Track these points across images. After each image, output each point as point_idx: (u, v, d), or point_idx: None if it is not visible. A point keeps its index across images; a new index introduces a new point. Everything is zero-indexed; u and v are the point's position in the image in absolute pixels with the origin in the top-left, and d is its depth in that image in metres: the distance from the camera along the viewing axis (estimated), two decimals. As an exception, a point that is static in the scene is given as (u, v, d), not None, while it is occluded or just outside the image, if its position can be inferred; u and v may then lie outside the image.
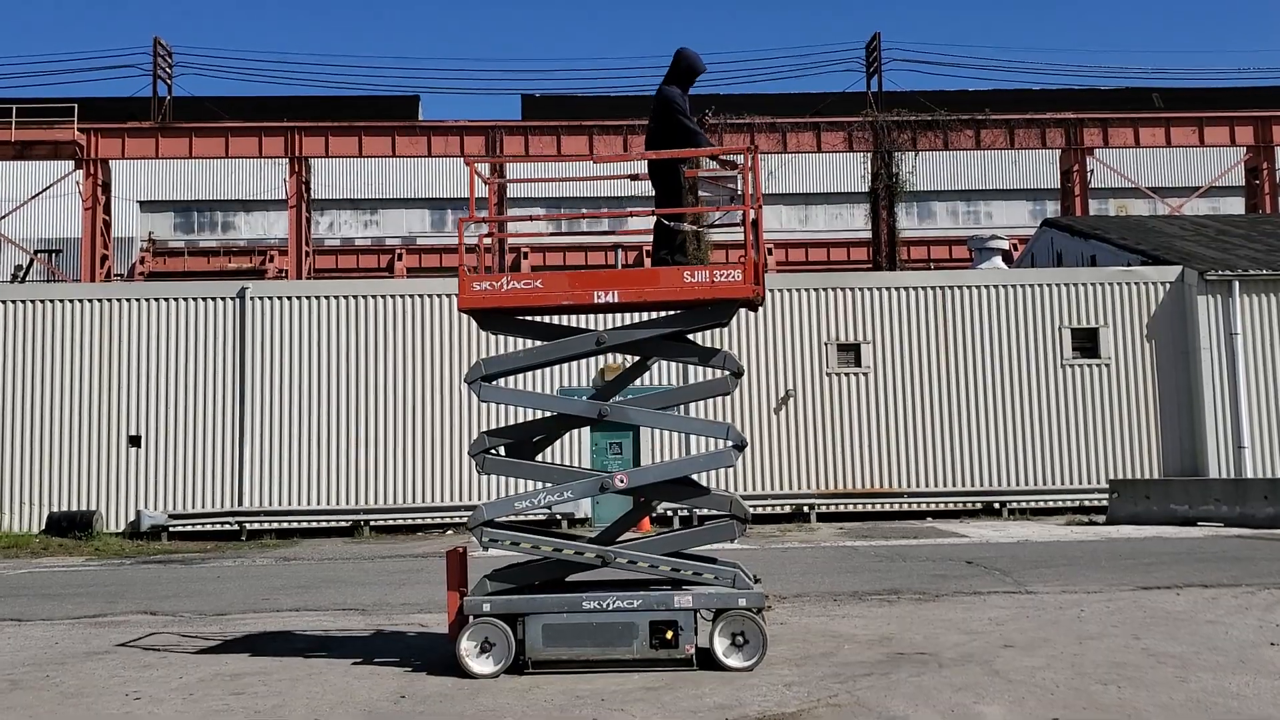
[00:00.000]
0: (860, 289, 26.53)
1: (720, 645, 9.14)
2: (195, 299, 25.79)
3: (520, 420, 10.61)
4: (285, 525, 24.76)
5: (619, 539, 9.95)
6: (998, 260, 32.89)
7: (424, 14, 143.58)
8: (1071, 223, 35.03)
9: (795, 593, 13.63)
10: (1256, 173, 42.53)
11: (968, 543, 20.17)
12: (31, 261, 45.34)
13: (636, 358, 10.76)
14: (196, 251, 52.70)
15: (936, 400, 26.00)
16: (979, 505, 25.58)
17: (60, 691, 9.08)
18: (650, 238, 10.24)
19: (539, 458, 10.52)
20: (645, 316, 10.23)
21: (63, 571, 19.37)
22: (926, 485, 25.71)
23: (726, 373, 9.70)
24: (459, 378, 24.76)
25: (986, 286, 26.66)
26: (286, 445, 25.19)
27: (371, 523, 24.86)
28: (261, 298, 25.78)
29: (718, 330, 23.24)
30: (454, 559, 9.69)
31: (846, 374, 26.06)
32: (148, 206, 53.93)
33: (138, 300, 25.79)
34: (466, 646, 9.19)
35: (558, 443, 22.16)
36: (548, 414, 10.37)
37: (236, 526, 24.62)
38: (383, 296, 25.99)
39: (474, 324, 25.49)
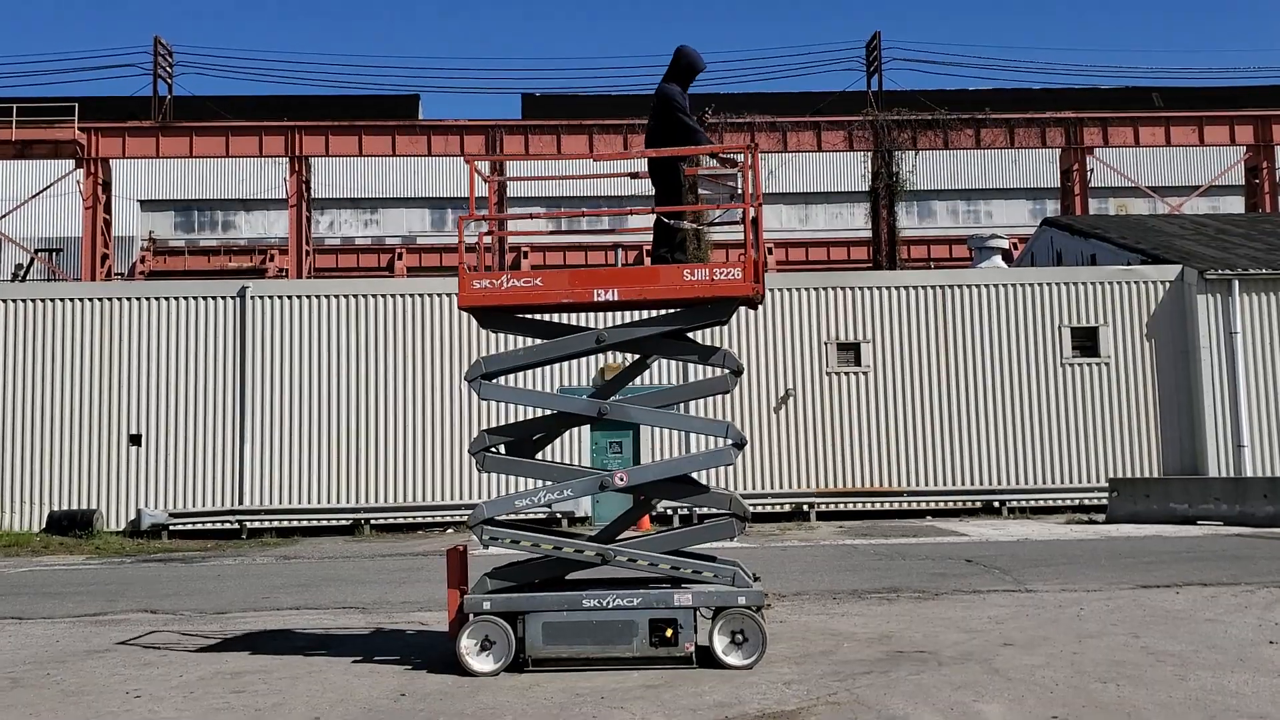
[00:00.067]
0: (860, 288, 26.54)
1: (720, 643, 9.15)
2: (196, 298, 25.80)
3: (520, 419, 10.61)
4: (286, 524, 24.78)
5: (619, 537, 9.97)
6: (998, 259, 32.91)
7: (424, 14, 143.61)
8: (1071, 222, 35.03)
9: (795, 591, 13.64)
10: (1256, 172, 42.51)
11: (967, 541, 20.19)
12: (32, 261, 45.36)
13: (636, 356, 10.78)
14: (197, 251, 52.70)
15: (936, 399, 26.02)
16: (979, 504, 25.59)
17: (61, 689, 9.09)
18: (650, 237, 10.25)
19: (539, 456, 10.53)
20: (646, 315, 10.24)
21: (63, 570, 19.38)
22: (926, 484, 25.72)
23: (726, 371, 9.71)
24: (459, 377, 24.77)
25: (986, 286, 26.67)
26: (287, 444, 25.20)
27: (372, 521, 24.87)
28: (262, 297, 25.80)
29: (718, 329, 23.27)
30: (454, 557, 9.70)
31: (846, 373, 26.07)
32: (148, 206, 53.93)
33: (138, 299, 25.81)
34: (467, 644, 9.20)
35: (558, 442, 22.17)
36: (548, 412, 10.38)
37: (237, 525, 24.64)
38: (383, 295, 26.00)
39: (474, 323, 25.45)
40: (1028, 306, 26.41)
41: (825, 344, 26.12)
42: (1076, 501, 25.48)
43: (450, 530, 24.69)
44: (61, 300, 25.72)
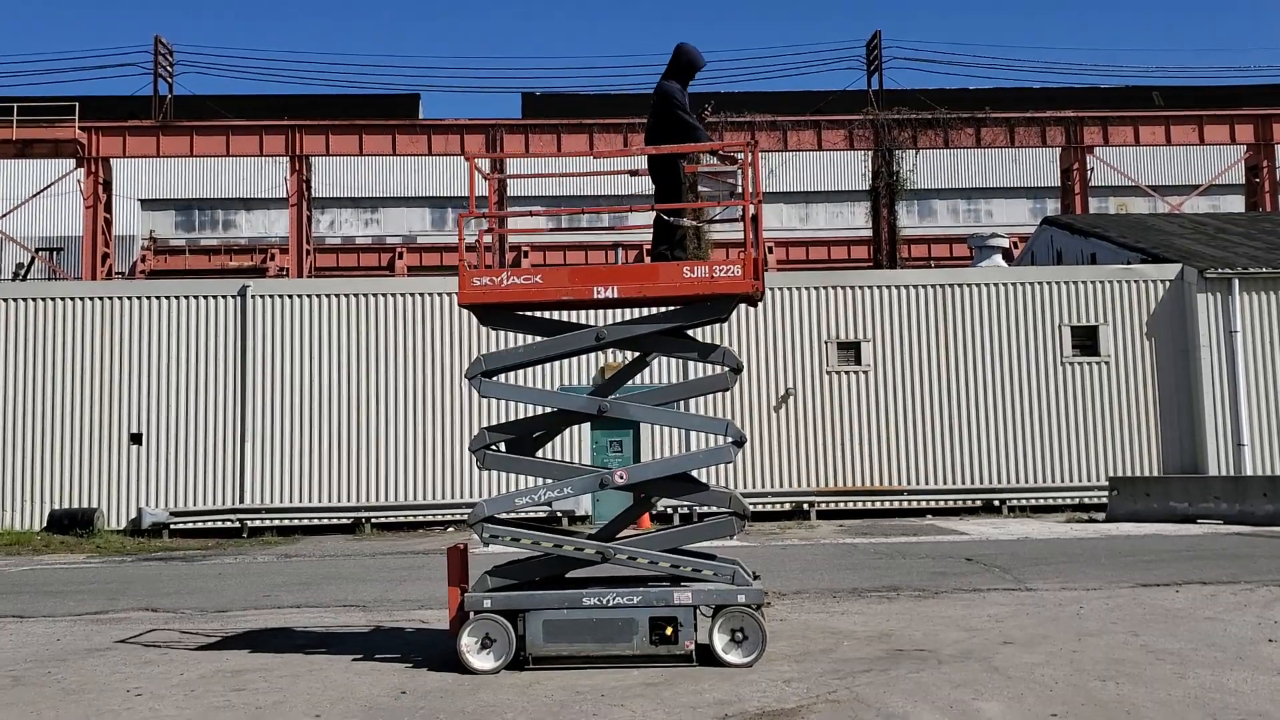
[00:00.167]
0: (860, 287, 26.55)
1: (720, 641, 9.16)
2: (196, 297, 25.82)
3: (520, 417, 10.62)
4: (286, 522, 24.81)
5: (619, 535, 9.99)
6: (998, 258, 32.93)
7: (424, 13, 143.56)
8: (1071, 221, 35.03)
9: (795, 589, 13.66)
10: (1256, 171, 42.50)
11: (967, 540, 20.20)
12: (33, 260, 45.39)
13: (636, 354, 10.79)
14: (197, 250, 52.70)
15: (936, 398, 26.03)
16: (979, 503, 25.61)
17: (62, 688, 9.11)
18: (650, 235, 10.26)
19: (539, 455, 10.55)
20: (645, 313, 10.25)
21: (64, 569, 19.40)
22: (926, 483, 25.74)
23: (726, 369, 9.72)
24: (460, 375, 24.79)
25: (986, 285, 26.69)
26: (288, 443, 25.23)
27: (373, 520, 24.89)
28: (262, 296, 25.82)
29: (718, 328, 23.34)
30: (455, 555, 9.72)
31: (846, 372, 26.09)
32: (149, 205, 53.95)
33: (139, 298, 25.82)
34: (467, 642, 9.21)
35: (558, 441, 22.21)
36: (548, 410, 10.40)
37: (238, 524, 24.66)
38: (383, 295, 26.02)
39: (474, 322, 25.39)
40: (1028, 305, 26.43)
41: (825, 343, 26.13)
42: (1077, 500, 25.50)
43: (451, 529, 24.72)
44: (62, 299, 25.74)
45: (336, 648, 10.51)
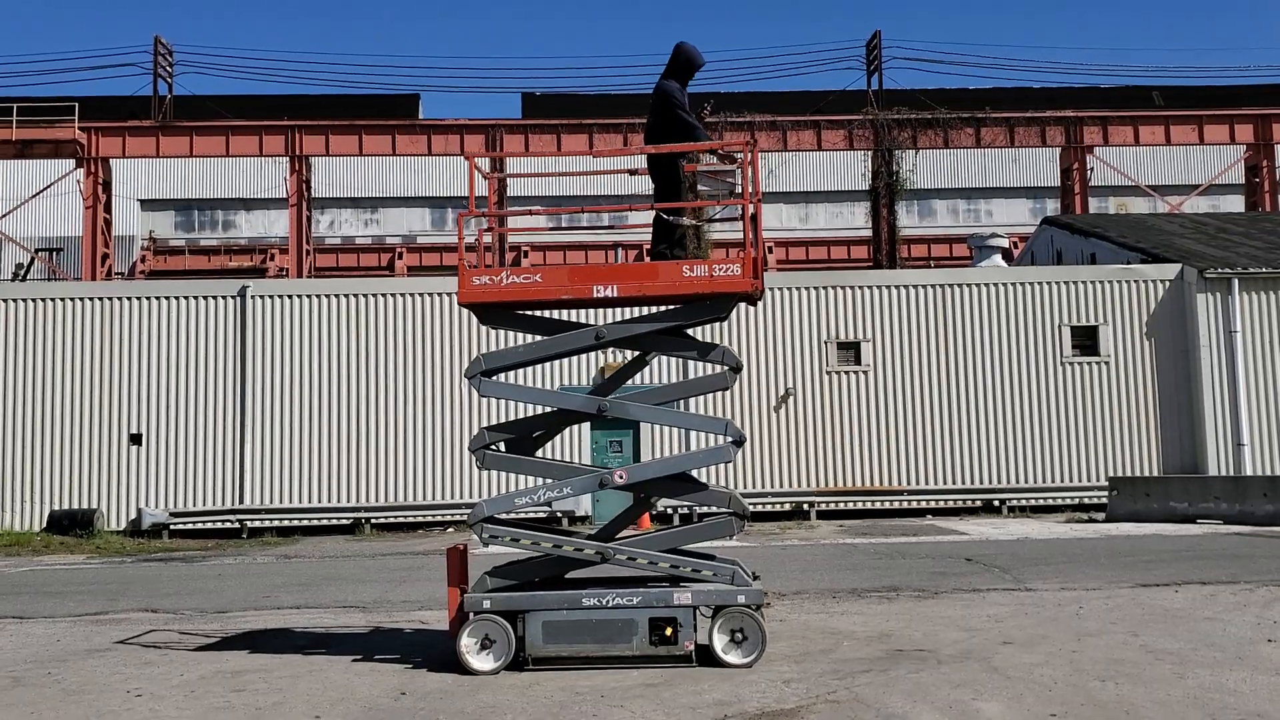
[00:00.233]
0: (860, 287, 26.55)
1: (719, 642, 9.17)
2: (196, 297, 25.82)
3: (520, 417, 10.62)
4: (286, 523, 24.81)
5: (618, 535, 9.99)
6: (998, 258, 32.93)
7: (424, 13, 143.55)
8: (1071, 221, 35.04)
9: (795, 590, 13.66)
10: (1256, 171, 42.50)
11: (967, 540, 20.20)
12: (32, 260, 45.38)
13: (636, 354, 10.79)
14: (197, 250, 52.70)
15: (936, 398, 26.04)
16: (979, 503, 25.61)
17: (62, 688, 9.11)
18: (650, 235, 10.27)
19: (539, 454, 10.55)
20: (646, 312, 10.25)
21: (64, 569, 19.41)
22: (926, 483, 25.74)
23: (725, 368, 9.73)
24: (460, 376, 24.79)
25: (986, 285, 26.69)
26: (287, 443, 25.23)
27: (372, 520, 24.89)
28: (262, 296, 25.82)
29: (718, 327, 23.35)
30: (454, 556, 9.72)
31: (846, 372, 26.09)
32: (148, 205, 53.95)
33: (139, 299, 25.83)
34: (467, 643, 9.22)
35: (558, 441, 22.19)
36: (547, 410, 10.40)
37: (237, 524, 24.66)
38: (383, 295, 26.02)
39: (474, 322, 25.24)
40: (1028, 305, 26.43)
41: (825, 343, 26.13)
42: (1076, 500, 25.50)
43: (450, 529, 24.72)
44: (62, 300, 25.74)
45: (336, 648, 10.51)
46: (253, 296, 25.68)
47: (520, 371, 10.78)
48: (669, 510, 23.84)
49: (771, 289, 25.63)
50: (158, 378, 25.34)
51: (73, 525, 24.11)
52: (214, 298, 25.77)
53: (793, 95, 49.44)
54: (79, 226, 42.44)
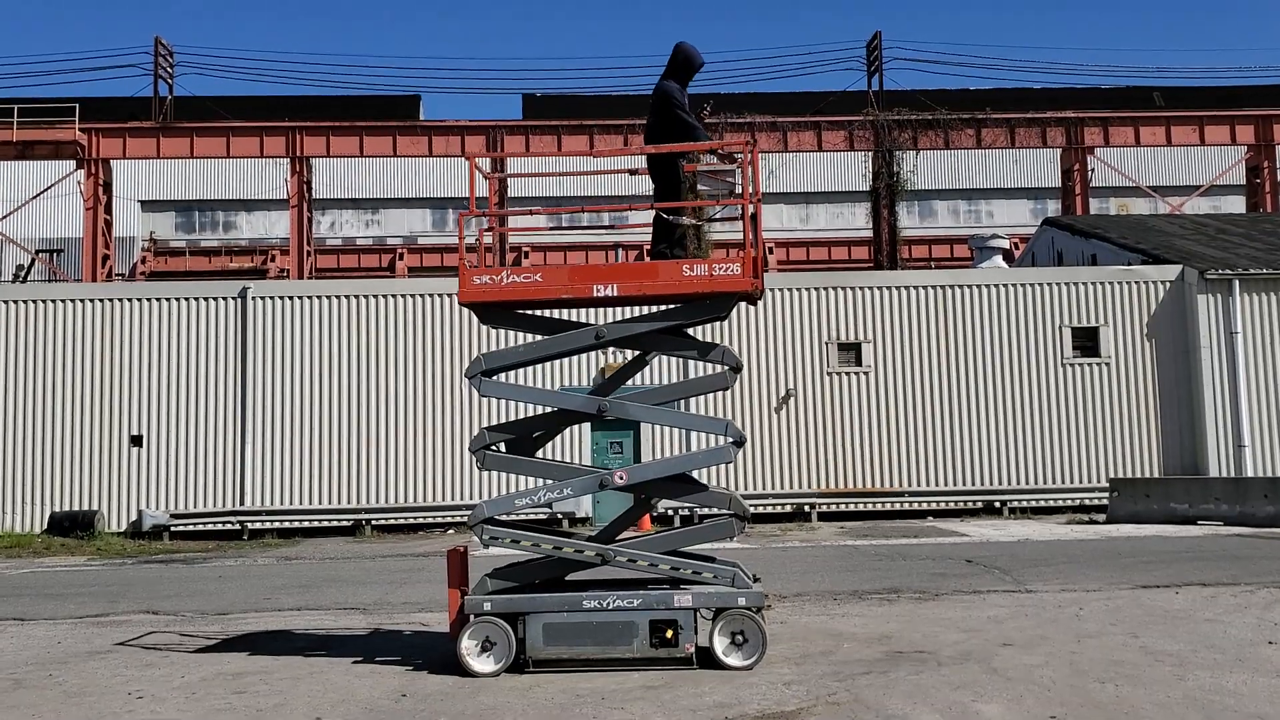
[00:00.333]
0: (861, 288, 26.55)
1: (720, 644, 9.17)
2: (197, 299, 25.83)
3: (520, 418, 10.64)
4: (287, 525, 24.80)
5: (619, 537, 9.99)
6: (998, 259, 32.92)
7: (424, 14, 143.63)
8: (1072, 222, 35.03)
9: (795, 592, 13.67)
10: (1257, 171, 42.49)
11: (968, 542, 20.20)
12: (33, 261, 45.40)
13: (635, 354, 10.80)
14: (198, 251, 52.73)
15: (937, 399, 26.03)
16: (979, 504, 25.60)
17: (63, 690, 9.12)
18: (650, 235, 10.28)
19: (539, 456, 10.56)
20: (646, 312, 10.25)
21: (65, 571, 19.42)
22: (927, 484, 25.74)
23: (725, 368, 9.73)
24: (460, 377, 24.79)
25: (987, 286, 26.68)
26: (288, 445, 25.23)
27: (373, 522, 24.90)
28: (263, 297, 25.83)
29: (718, 328, 23.35)
30: (455, 558, 9.72)
31: (847, 373, 26.09)
32: (149, 206, 53.96)
33: (139, 300, 25.83)
34: (467, 645, 9.22)
35: (559, 442, 22.18)
36: (548, 410, 10.41)
37: (238, 526, 24.66)
38: (384, 296, 26.03)
39: (475, 324, 25.25)
40: (1028, 306, 26.42)
41: (826, 344, 26.13)
42: (1077, 501, 25.49)
43: (451, 531, 24.72)
44: (62, 301, 25.74)
45: (337, 650, 10.52)
46: (254, 298, 25.69)
47: (521, 372, 10.80)
48: (669, 512, 23.85)
49: (772, 290, 25.64)
50: (158, 379, 25.35)
51: (73, 527, 24.12)
52: (215, 299, 25.78)
53: (793, 96, 49.48)
54: (79, 228, 42.47)
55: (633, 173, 11.30)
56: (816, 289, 26.43)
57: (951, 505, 25.55)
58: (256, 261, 50.95)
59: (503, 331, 21.93)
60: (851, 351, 26.23)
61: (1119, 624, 10.86)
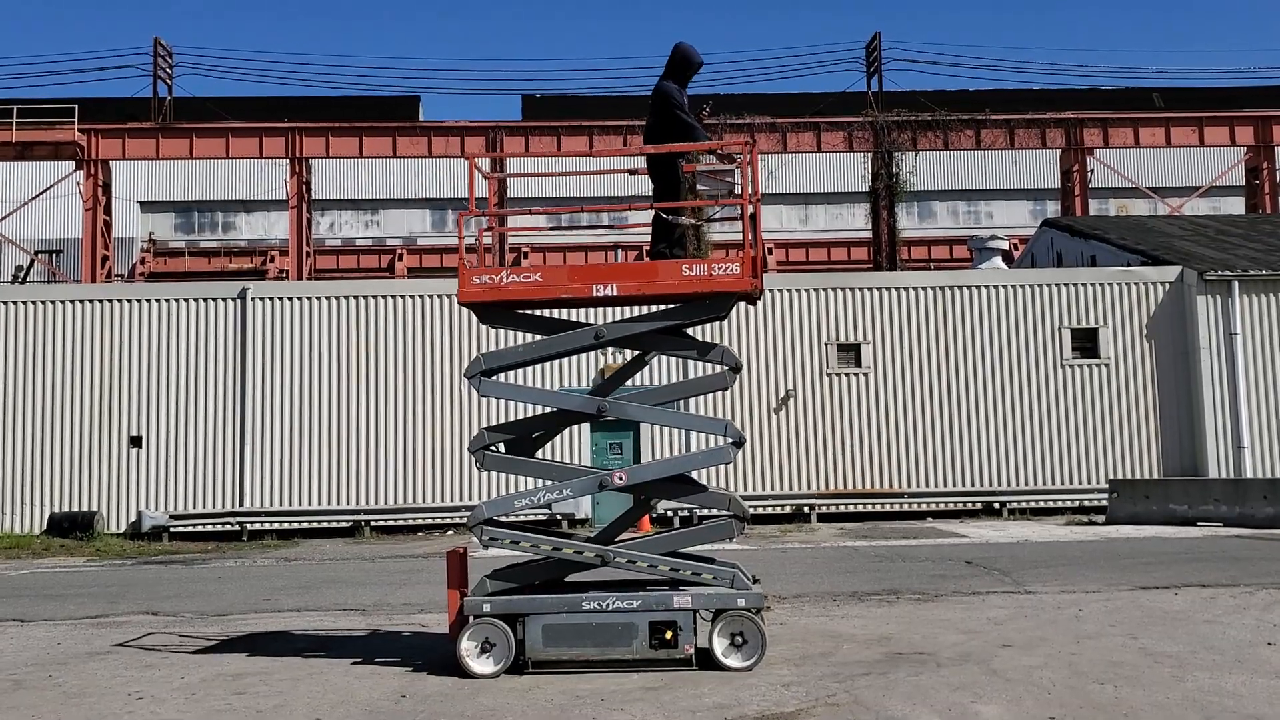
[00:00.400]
0: (860, 289, 26.55)
1: (719, 645, 9.17)
2: (196, 299, 25.83)
3: (519, 418, 10.65)
4: (286, 526, 24.80)
5: (618, 538, 9.99)
6: (998, 260, 32.92)
7: (424, 14, 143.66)
8: (1071, 223, 35.05)
9: (795, 593, 13.66)
10: (1256, 173, 42.54)
11: (967, 543, 20.20)
12: (32, 262, 45.41)
13: (635, 354, 10.80)
14: (197, 252, 52.76)
15: (937, 400, 26.03)
16: (979, 505, 25.61)
17: (63, 691, 9.12)
18: (649, 235, 10.28)
19: (539, 457, 10.56)
20: (645, 312, 10.25)
21: (64, 572, 19.41)
22: (927, 485, 25.74)
23: (725, 368, 9.73)
24: (459, 378, 24.80)
25: (987, 287, 26.69)
26: (288, 446, 25.23)
27: (372, 523, 24.90)
28: (262, 298, 25.83)
29: (717, 329, 23.35)
30: (454, 559, 9.72)
31: (847, 374, 26.09)
32: (148, 207, 53.98)
33: (139, 301, 25.83)
34: (467, 646, 9.22)
35: (558, 444, 22.18)
36: (547, 410, 10.41)
37: (237, 527, 24.66)
38: (383, 297, 26.03)
39: (474, 325, 25.26)
40: (1028, 308, 26.43)
41: (825, 345, 26.13)
42: (1076, 503, 25.49)
43: (450, 532, 24.72)
44: (62, 302, 25.74)
45: (336, 651, 10.52)
46: (253, 299, 25.69)
47: (520, 372, 10.81)
48: (669, 513, 23.86)
49: (771, 291, 25.65)
50: (158, 380, 25.34)
51: (73, 528, 24.11)
52: (214, 300, 25.78)
53: (792, 97, 49.52)
54: (79, 228, 42.49)
55: (632, 173, 11.30)
56: (816, 290, 26.43)
57: (951, 506, 25.55)
58: (256, 262, 50.99)
59: (502, 332, 21.94)
60: (851, 352, 26.24)
61: (1118, 625, 10.86)
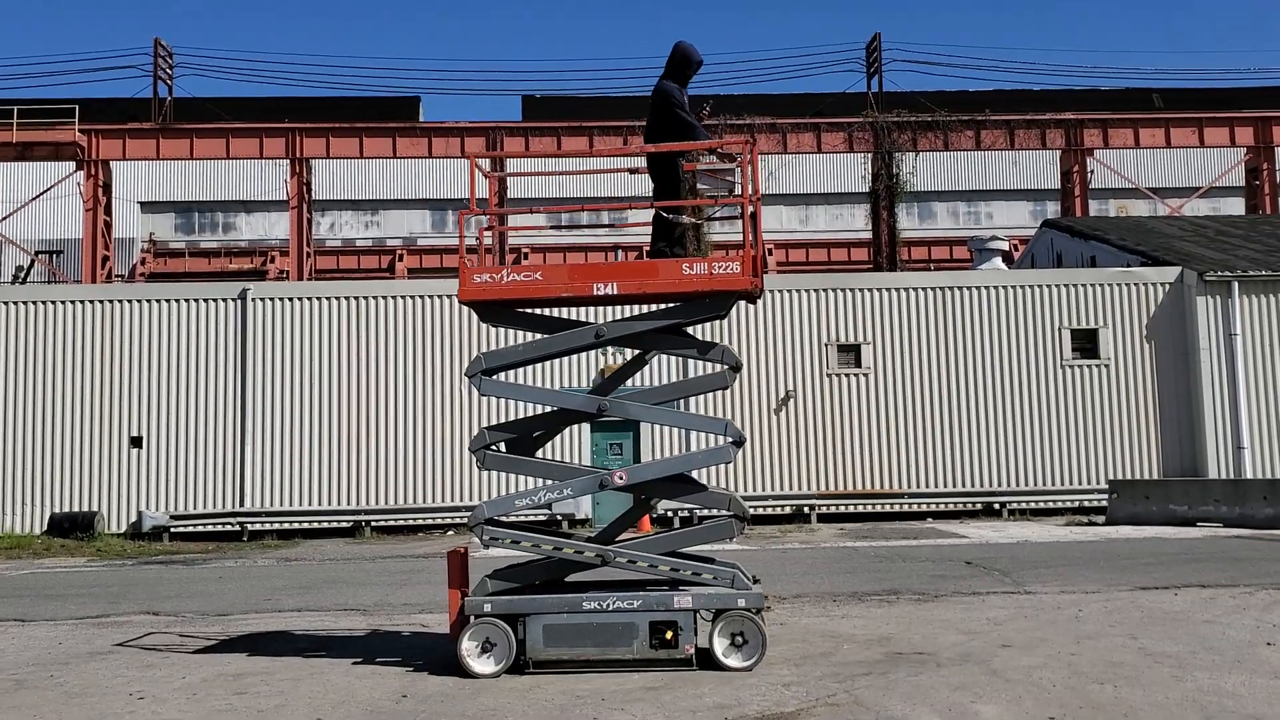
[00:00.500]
0: (861, 289, 26.56)
1: (720, 645, 9.18)
2: (196, 300, 25.84)
3: (520, 418, 10.66)
4: (286, 526, 24.81)
5: (618, 538, 10.00)
6: (998, 261, 32.94)
7: (424, 14, 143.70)
8: (1071, 223, 35.06)
9: (795, 593, 13.68)
10: (1256, 173, 42.55)
11: (967, 543, 20.22)
12: (33, 263, 45.42)
13: (635, 353, 10.80)
14: (197, 252, 52.78)
15: (937, 401, 26.04)
16: (979, 506, 25.61)
17: (64, 691, 9.13)
18: (649, 235, 10.29)
19: (539, 456, 10.57)
20: (645, 311, 10.26)
21: (65, 572, 19.42)
22: (927, 486, 25.75)
23: (725, 367, 9.74)
24: (460, 378, 24.82)
25: (987, 287, 26.70)
26: (288, 446, 25.24)
27: (373, 523, 24.90)
28: (263, 299, 25.84)
29: (717, 329, 23.37)
30: (455, 559, 9.74)
31: (847, 375, 26.10)
32: (148, 207, 53.99)
33: (139, 301, 25.84)
34: (468, 646, 9.23)
35: (558, 445, 22.18)
36: (547, 409, 10.43)
37: (238, 527, 24.67)
38: (384, 297, 26.04)
39: (474, 325, 25.27)
40: (1028, 308, 26.44)
41: (826, 345, 26.14)
42: (1076, 503, 25.49)
43: (451, 532, 24.73)
44: (62, 302, 25.75)
45: (337, 651, 10.54)
46: (253, 299, 25.70)
47: (521, 373, 10.82)
48: (669, 513, 23.87)
49: (772, 291, 25.66)
50: (158, 380, 25.35)
51: (73, 528, 24.13)
52: (214, 300, 25.79)
53: (792, 98, 49.55)
54: (79, 229, 42.51)
55: (633, 172, 11.32)
56: (816, 290, 26.44)
57: (951, 507, 25.56)
58: (256, 263, 51.00)
59: (502, 332, 21.98)
60: (851, 353, 26.25)
61: (1118, 625, 10.87)
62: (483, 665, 9.19)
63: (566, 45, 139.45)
